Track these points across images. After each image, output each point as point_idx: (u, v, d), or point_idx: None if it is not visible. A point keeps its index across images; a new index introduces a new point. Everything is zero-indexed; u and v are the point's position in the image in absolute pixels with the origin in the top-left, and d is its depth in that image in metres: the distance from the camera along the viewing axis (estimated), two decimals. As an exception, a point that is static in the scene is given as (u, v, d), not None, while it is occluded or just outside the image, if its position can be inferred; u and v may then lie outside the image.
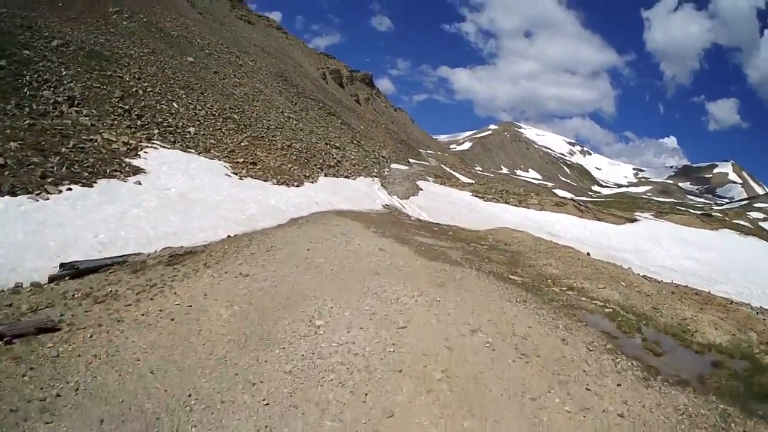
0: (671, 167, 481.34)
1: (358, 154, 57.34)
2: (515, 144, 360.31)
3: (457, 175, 79.07)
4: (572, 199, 65.09)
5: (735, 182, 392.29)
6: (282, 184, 31.42)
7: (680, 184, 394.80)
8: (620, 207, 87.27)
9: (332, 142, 55.56)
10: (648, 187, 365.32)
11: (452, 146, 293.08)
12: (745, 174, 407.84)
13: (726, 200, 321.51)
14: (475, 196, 51.73)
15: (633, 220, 52.77)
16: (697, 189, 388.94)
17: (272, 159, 36.03)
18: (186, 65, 45.48)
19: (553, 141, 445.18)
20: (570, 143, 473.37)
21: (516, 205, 49.61)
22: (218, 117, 37.40)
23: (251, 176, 30.07)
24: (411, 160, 74.25)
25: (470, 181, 72.72)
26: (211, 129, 34.34)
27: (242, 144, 35.61)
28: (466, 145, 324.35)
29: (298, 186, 33.10)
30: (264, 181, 30.33)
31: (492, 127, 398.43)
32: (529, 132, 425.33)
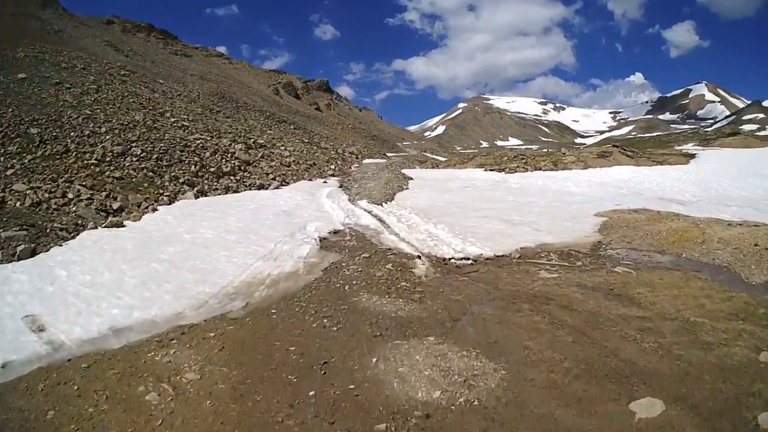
0: (646, 102, 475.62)
1: (307, 153, 39.41)
2: (488, 116, 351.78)
3: (439, 158, 64.58)
4: (614, 145, 44.41)
5: (713, 101, 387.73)
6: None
7: (660, 117, 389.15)
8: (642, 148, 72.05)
9: (253, 141, 34.39)
10: (630, 127, 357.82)
11: (426, 134, 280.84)
12: (720, 91, 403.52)
13: (710, 120, 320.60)
14: (492, 171, 33.09)
15: (691, 156, 38.57)
16: (678, 117, 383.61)
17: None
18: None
19: (524, 105, 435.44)
20: (541, 103, 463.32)
21: (553, 169, 32.00)
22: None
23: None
24: (388, 154, 63.78)
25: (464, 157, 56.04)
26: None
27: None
28: (440, 129, 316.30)
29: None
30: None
31: (461, 105, 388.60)
32: (499, 101, 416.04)
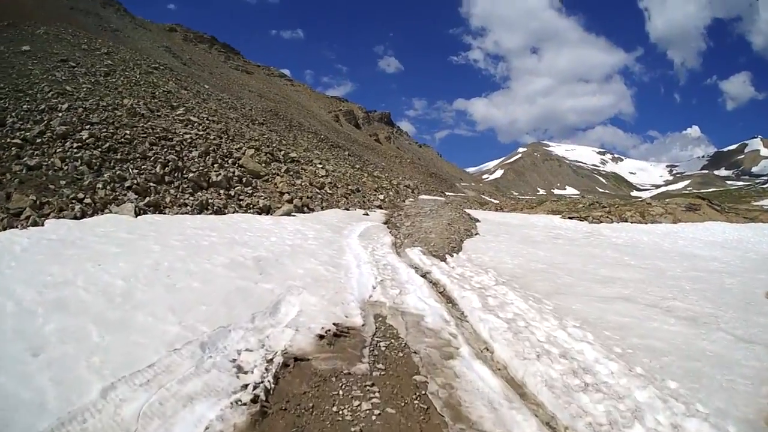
0: (702, 157, 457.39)
1: (350, 177, 31.23)
2: (547, 163, 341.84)
3: (494, 201, 59.82)
4: (700, 196, 43.66)
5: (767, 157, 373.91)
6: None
7: (716, 172, 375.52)
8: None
9: (284, 153, 26.87)
10: (686, 182, 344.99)
11: (484, 176, 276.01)
12: None
13: (765, 177, 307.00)
14: (571, 219, 27.55)
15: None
16: (733, 173, 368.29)
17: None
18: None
19: (582, 153, 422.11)
20: (600, 152, 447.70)
21: (641, 221, 27.38)
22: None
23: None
24: (447, 193, 59.78)
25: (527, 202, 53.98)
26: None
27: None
28: (498, 173, 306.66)
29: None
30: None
31: (520, 150, 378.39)
32: (558, 149, 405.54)
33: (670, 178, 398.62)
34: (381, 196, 28.20)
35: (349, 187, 25.98)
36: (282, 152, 25.47)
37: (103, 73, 23.60)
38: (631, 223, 26.53)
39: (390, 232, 16.80)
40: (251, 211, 15.51)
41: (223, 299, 6.55)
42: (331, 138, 54.48)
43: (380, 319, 6.95)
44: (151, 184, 13.76)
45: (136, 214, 11.58)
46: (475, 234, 17.34)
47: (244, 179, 17.69)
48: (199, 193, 14.97)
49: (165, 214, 12.58)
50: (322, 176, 25.03)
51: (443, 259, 11.93)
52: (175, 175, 15.08)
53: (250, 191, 17.20)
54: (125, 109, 18.20)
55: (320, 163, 28.50)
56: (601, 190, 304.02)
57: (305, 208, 18.26)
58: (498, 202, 54.77)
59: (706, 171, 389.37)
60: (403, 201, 30.86)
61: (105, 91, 20.15)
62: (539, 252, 14.12)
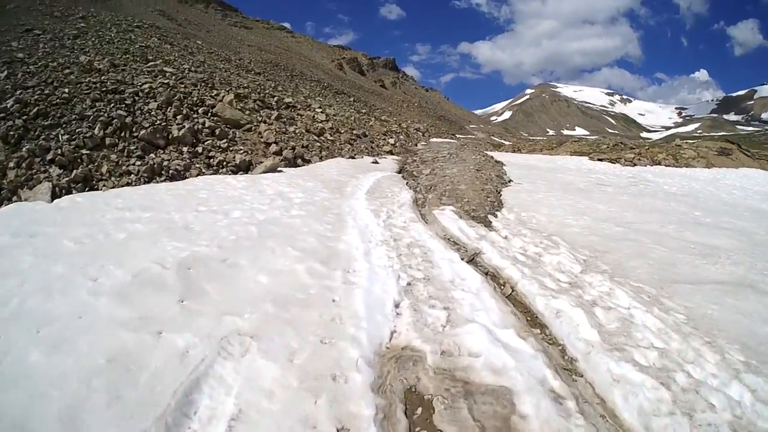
0: (711, 101, 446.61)
1: (356, 122, 27.43)
2: (556, 104, 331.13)
3: (506, 143, 58.04)
4: (729, 140, 37.41)
5: None
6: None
7: (725, 116, 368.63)
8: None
9: (277, 99, 22.75)
10: (696, 125, 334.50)
11: (492, 118, 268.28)
12: None
13: None
14: (601, 161, 25.05)
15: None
16: (743, 118, 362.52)
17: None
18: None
19: (591, 95, 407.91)
20: (608, 93, 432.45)
21: (675, 165, 25.55)
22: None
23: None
24: (458, 136, 56.94)
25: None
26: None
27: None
28: (506, 115, 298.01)
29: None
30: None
31: (528, 91, 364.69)
32: (566, 90, 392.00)
33: (680, 120, 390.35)
34: (391, 141, 24.63)
35: (354, 132, 22.25)
36: (275, 98, 21.62)
37: (72, 36, 19.63)
38: (665, 166, 24.72)
39: (407, 184, 13.23)
40: (224, 170, 11.89)
41: (57, 414, 2.80)
42: (335, 85, 52.17)
43: (418, 413, 3.19)
44: (84, 152, 10.05)
45: (54, 197, 8.08)
46: (510, 182, 14.21)
47: (217, 131, 13.73)
48: (152, 155, 11.22)
49: (97, 190, 9.02)
50: (322, 121, 21.24)
51: (488, 224, 8.52)
52: (121, 135, 11.28)
53: (225, 145, 13.31)
54: (79, 66, 14.27)
55: (320, 108, 24.69)
56: (610, 131, 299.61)
57: (299, 160, 14.57)
58: (511, 144, 52.53)
59: (716, 115, 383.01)
60: (416, 145, 27.45)
61: (65, 52, 16.22)
62: (598, 206, 11.21)
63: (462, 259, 6.14)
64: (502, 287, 5.51)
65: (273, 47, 64.89)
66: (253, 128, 15.49)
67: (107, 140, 10.79)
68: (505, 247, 6.95)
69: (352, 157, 17.34)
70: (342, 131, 21.18)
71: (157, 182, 10.03)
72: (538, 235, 7.67)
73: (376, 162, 17.01)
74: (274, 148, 14.35)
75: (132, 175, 9.96)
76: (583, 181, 16.31)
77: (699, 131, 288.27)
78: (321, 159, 15.90)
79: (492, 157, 20.96)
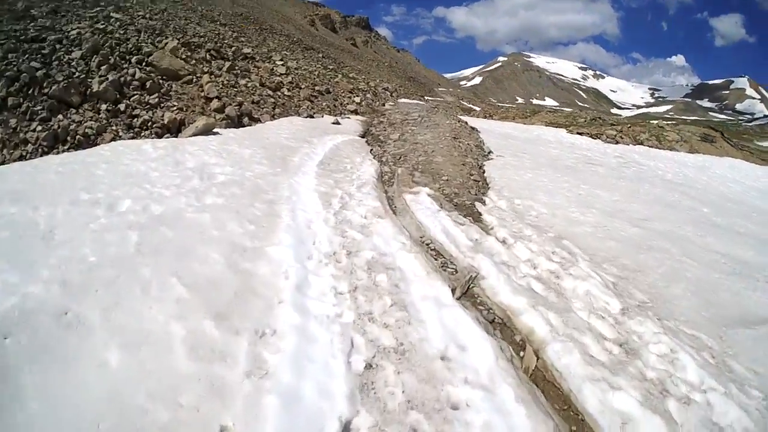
0: (687, 85, 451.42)
1: (319, 77, 25.21)
2: (527, 73, 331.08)
3: (475, 108, 53.72)
4: (712, 128, 37.31)
5: (753, 97, 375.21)
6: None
7: (698, 102, 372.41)
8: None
9: (235, 49, 20.34)
10: (668, 107, 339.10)
11: (462, 83, 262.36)
12: (762, 90, 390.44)
13: (748, 116, 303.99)
14: (580, 135, 23.94)
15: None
16: (716, 106, 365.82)
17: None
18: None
19: (563, 67, 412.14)
20: (582, 68, 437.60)
21: (658, 147, 24.49)
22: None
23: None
24: (426, 98, 53.92)
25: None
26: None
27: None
28: (477, 80, 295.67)
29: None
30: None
31: (500, 59, 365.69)
32: (538, 60, 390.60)
33: (652, 100, 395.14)
34: (357, 99, 22.52)
35: (317, 88, 19.93)
36: (233, 48, 19.05)
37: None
38: (648, 147, 24.12)
39: (371, 151, 11.14)
40: (147, 132, 9.56)
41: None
42: (305, 41, 50.17)
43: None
44: None
45: None
46: (490, 154, 12.51)
47: (149, 83, 11.12)
48: (60, 117, 8.90)
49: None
50: (281, 74, 18.80)
51: (477, 218, 6.71)
52: (28, 92, 8.95)
53: (155, 100, 10.77)
54: (14, 13, 11.90)
55: (281, 60, 22.15)
56: (580, 104, 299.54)
57: (245, 119, 12.20)
58: (481, 109, 50.35)
59: (689, 99, 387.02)
60: (383, 105, 25.44)
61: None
62: (599, 193, 9.75)
63: (453, 294, 4.04)
64: (521, 352, 3.45)
65: (246, 0, 61.91)
66: (195, 80, 12.96)
67: (10, 100, 8.43)
68: (510, 262, 5.03)
69: (311, 116, 15.05)
70: (302, 86, 18.81)
71: (58, 152, 7.79)
72: (545, 238, 6.00)
73: (338, 123, 14.77)
74: (215, 104, 11.90)
75: (29, 145, 7.72)
76: (569, 157, 14.96)
77: (671, 113, 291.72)
78: (273, 118, 13.61)
79: (467, 123, 18.96)
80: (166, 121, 9.95)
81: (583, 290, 4.59)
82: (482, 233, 5.81)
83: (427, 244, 5.34)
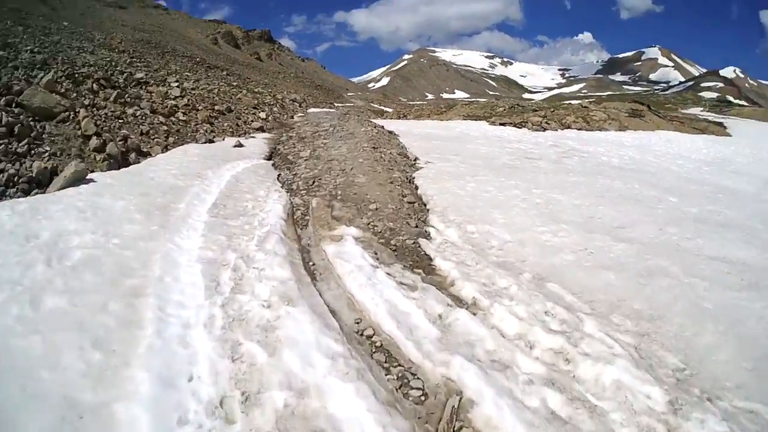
0: (597, 62, 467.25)
1: (220, 94, 23.75)
2: (434, 68, 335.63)
3: (387, 110, 54.29)
4: (639, 101, 38.07)
5: (667, 66, 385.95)
6: None
7: (611, 77, 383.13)
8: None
9: (123, 73, 17.60)
10: (581, 85, 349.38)
11: (370, 85, 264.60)
12: (675, 57, 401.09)
13: (663, 85, 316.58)
14: (504, 125, 22.98)
15: (719, 125, 34.04)
16: (629, 78, 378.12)
17: None
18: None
19: (470, 58, 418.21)
20: (488, 57, 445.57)
21: (586, 128, 24.31)
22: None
23: None
24: (336, 104, 54.45)
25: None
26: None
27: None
28: (384, 81, 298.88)
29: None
30: None
31: (405, 57, 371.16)
32: (444, 54, 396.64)
33: (563, 81, 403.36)
34: (262, 115, 21.04)
35: (216, 108, 17.91)
36: (125, 75, 16.73)
37: None
38: (577, 129, 23.79)
39: (279, 177, 9.29)
40: (13, 190, 7.30)
41: None
42: (208, 60, 48.61)
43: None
44: None
45: None
46: (417, 161, 11.41)
47: (16, 128, 8.79)
48: None
49: None
50: (175, 98, 16.62)
51: (428, 268, 5.24)
52: None
53: (24, 148, 8.49)
54: None
55: (176, 82, 19.94)
56: (491, 92, 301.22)
57: (132, 155, 10.04)
58: (393, 110, 50.65)
59: (601, 75, 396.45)
60: (292, 117, 24.19)
61: None
62: (557, 197, 8.73)
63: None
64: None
65: (147, 26, 60.71)
66: (72, 117, 10.78)
67: None
68: (502, 357, 3.45)
69: (210, 141, 13.05)
70: (200, 108, 16.82)
71: None
72: (525, 285, 4.69)
73: (240, 145, 12.83)
74: (94, 142, 9.74)
75: None
76: (503, 153, 13.95)
77: (584, 91, 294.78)
78: (166, 149, 11.46)
79: (383, 127, 17.60)
80: (34, 173, 7.74)
81: (609, 380, 3.24)
82: (446, 302, 4.10)
83: (369, 337, 3.58)
